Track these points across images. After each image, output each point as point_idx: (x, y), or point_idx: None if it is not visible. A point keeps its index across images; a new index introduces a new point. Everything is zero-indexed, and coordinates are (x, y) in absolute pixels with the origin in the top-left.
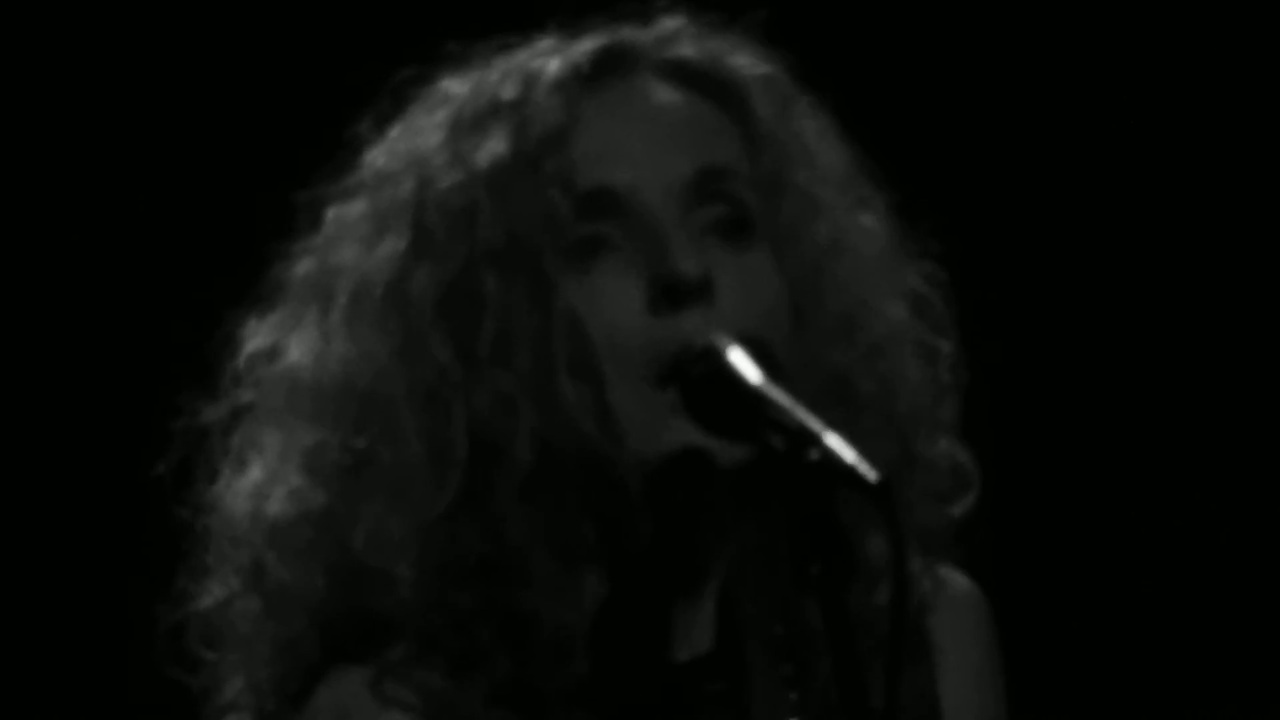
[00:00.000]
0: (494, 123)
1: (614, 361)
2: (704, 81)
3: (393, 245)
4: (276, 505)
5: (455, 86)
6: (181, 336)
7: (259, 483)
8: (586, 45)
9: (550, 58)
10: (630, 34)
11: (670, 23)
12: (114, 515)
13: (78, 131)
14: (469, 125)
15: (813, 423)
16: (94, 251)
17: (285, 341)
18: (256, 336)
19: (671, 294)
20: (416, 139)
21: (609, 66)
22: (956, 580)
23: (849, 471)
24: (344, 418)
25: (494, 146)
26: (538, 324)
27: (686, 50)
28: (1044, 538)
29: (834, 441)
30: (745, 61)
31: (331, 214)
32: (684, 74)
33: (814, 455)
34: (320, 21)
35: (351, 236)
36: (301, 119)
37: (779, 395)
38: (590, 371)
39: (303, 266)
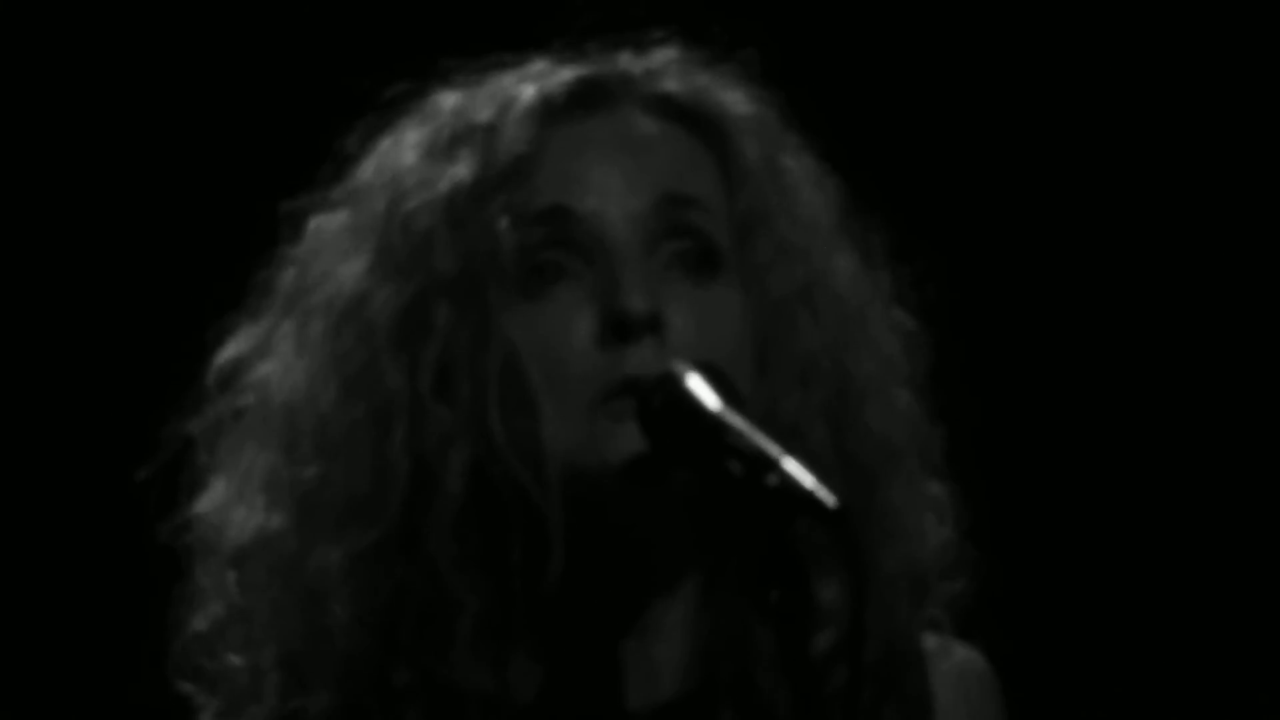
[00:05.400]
0: (463, 148)
1: (555, 393)
2: (687, 116)
3: (360, 264)
4: (240, 528)
5: (446, 101)
6: (174, 342)
7: (227, 501)
8: (566, 75)
9: (530, 84)
10: (614, 66)
11: (661, 55)
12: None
13: (72, 132)
14: (443, 147)
15: (771, 448)
16: (88, 258)
17: (262, 354)
18: (238, 345)
19: (619, 330)
20: (397, 154)
21: (584, 98)
22: (958, 651)
23: (807, 497)
24: (300, 443)
25: (457, 173)
26: (478, 358)
27: (672, 85)
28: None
29: (792, 467)
30: (733, 99)
31: (314, 224)
32: (667, 108)
33: (772, 481)
34: (321, 33)
35: (329, 250)
36: (299, 128)
37: (737, 421)
38: (525, 409)
39: (284, 276)
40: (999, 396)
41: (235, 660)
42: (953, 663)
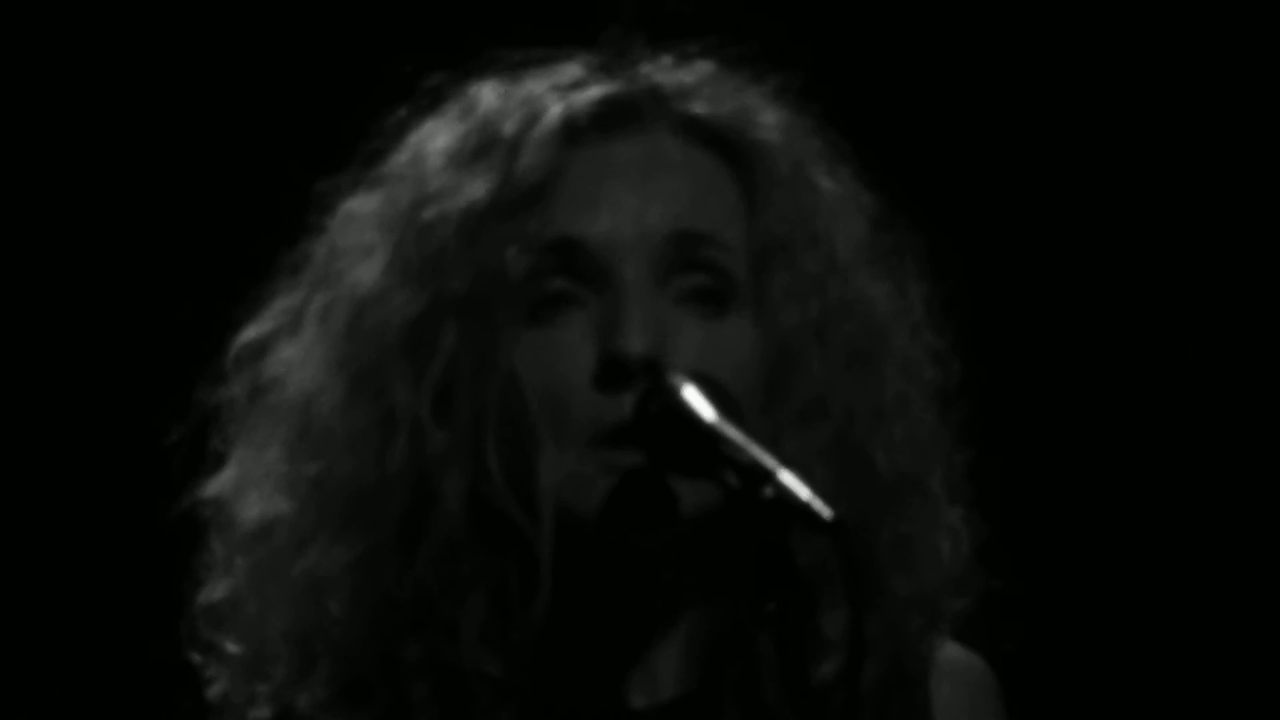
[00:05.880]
0: (484, 162)
1: (550, 429)
2: (715, 140)
3: (379, 262)
4: (248, 512)
5: (480, 98)
6: (206, 311)
7: (239, 483)
8: (594, 92)
9: (558, 98)
10: (646, 80)
11: (697, 71)
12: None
13: (103, 113)
14: (467, 157)
15: (767, 460)
16: (117, 233)
17: (284, 336)
18: (261, 325)
19: (615, 372)
20: (427, 151)
21: (610, 119)
22: (957, 654)
23: (803, 508)
24: (307, 437)
25: (475, 190)
26: (479, 383)
27: (702, 107)
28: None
29: (788, 479)
30: (765, 123)
31: (345, 208)
32: (695, 131)
33: (768, 492)
34: (364, 18)
35: (356, 239)
36: (335, 108)
37: (733, 432)
38: (521, 440)
39: (312, 259)
40: (1005, 408)
41: (241, 638)
42: (953, 665)
